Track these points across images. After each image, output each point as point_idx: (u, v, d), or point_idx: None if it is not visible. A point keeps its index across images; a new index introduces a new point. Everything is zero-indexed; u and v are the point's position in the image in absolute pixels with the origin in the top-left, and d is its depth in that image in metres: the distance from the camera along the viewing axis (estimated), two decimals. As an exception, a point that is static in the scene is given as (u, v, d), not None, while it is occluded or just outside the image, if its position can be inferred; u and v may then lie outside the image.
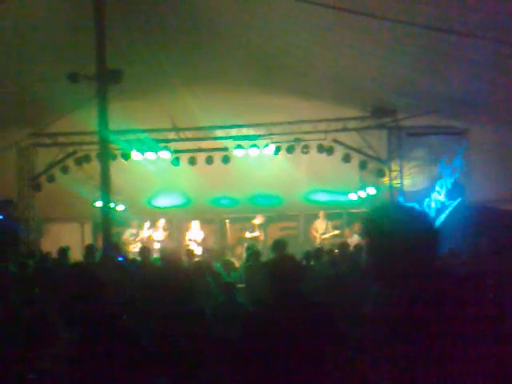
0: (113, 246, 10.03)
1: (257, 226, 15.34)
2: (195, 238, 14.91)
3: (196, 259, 9.93)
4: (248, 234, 15.23)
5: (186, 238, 15.06)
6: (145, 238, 15.00)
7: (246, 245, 14.16)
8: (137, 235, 15.05)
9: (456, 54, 9.79)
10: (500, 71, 9.88)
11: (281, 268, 3.88)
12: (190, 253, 10.38)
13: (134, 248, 14.27)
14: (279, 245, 8.50)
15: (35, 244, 15.68)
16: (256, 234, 15.17)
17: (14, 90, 12.46)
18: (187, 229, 15.31)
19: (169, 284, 7.43)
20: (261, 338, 3.70)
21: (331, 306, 4.11)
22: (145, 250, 10.01)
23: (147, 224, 15.48)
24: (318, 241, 14.98)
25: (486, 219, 11.65)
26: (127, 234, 15.10)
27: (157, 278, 8.28)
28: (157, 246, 14.43)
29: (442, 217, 13.62)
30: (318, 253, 10.08)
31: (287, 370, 3.57)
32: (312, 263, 9.61)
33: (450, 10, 8.27)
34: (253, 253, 9.77)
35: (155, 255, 11.24)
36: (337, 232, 15.25)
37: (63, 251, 10.30)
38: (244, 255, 12.85)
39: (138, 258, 10.16)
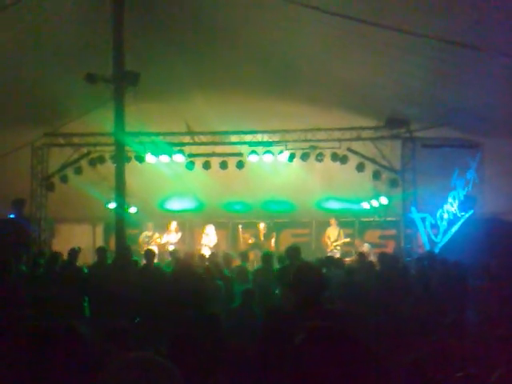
0: (126, 248, 10.05)
1: (262, 232, 15.29)
2: (209, 243, 14.87)
3: (206, 263, 9.88)
4: (251, 240, 15.18)
5: (201, 242, 15.01)
6: (159, 242, 14.93)
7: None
8: (151, 238, 15.04)
9: (471, 66, 9.80)
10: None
11: (305, 275, 3.86)
12: (203, 257, 10.38)
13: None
14: (293, 251, 8.44)
15: (46, 244, 15.75)
16: (252, 240, 15.04)
17: (30, 90, 12.52)
18: (201, 233, 15.24)
19: (183, 288, 7.46)
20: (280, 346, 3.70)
21: (350, 316, 4.10)
22: (149, 254, 9.62)
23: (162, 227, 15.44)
24: (330, 248, 14.90)
25: (497, 231, 11.64)
26: (142, 236, 15.11)
27: (169, 281, 8.32)
28: (171, 248, 14.34)
29: (454, 228, 13.59)
30: (329, 261, 10.07)
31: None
32: (324, 271, 9.58)
33: (464, 23, 8.28)
34: (264, 256, 9.61)
35: (168, 258, 11.21)
36: (347, 240, 15.18)
37: (74, 253, 10.23)
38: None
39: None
